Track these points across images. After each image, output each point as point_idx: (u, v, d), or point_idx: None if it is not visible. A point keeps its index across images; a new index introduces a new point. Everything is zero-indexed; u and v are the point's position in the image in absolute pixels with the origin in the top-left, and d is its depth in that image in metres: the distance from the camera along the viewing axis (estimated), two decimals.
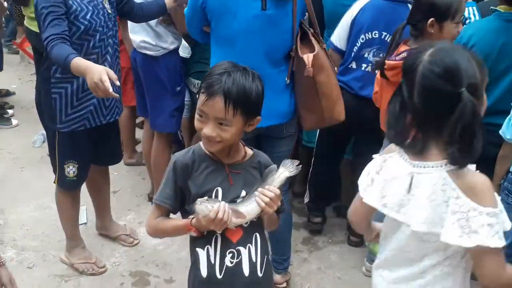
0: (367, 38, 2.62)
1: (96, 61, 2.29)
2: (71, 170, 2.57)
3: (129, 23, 2.97)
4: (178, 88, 3.08)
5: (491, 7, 2.46)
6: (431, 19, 2.17)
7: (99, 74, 1.98)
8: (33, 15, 3.10)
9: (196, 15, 2.19)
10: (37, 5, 2.26)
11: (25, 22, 4.00)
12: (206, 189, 1.50)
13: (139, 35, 2.95)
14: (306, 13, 2.30)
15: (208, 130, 1.42)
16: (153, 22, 2.88)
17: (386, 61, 2.23)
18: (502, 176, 2.22)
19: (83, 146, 2.56)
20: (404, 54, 2.18)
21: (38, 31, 2.56)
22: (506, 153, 2.21)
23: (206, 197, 1.44)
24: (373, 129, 2.47)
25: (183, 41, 3.11)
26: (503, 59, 2.34)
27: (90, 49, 2.38)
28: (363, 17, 2.59)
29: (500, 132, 2.15)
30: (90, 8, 2.35)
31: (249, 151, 1.60)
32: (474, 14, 2.80)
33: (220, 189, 1.50)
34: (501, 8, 2.38)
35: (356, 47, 2.66)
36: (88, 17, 2.33)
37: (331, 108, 2.29)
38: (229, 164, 1.53)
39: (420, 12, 2.21)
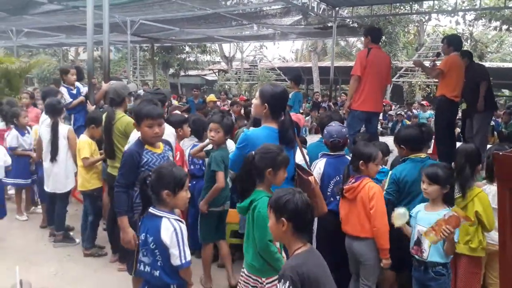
0: (333, 181, 4.14)
1: None
2: None
3: None
4: None
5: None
6: (361, 161, 3.67)
7: (128, 240, 3.31)
8: (116, 164, 4.38)
9: (240, 159, 3.38)
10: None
11: (108, 169, 4.95)
12: None
13: None
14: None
15: None
16: None
17: (344, 187, 3.70)
18: None
19: None
20: (353, 180, 3.63)
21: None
22: None
23: None
24: None
25: None
26: (418, 183, 3.76)
27: None
28: (326, 170, 4.13)
29: None
30: (159, 158, 3.45)
31: None
32: None
33: None
34: (412, 156, 4.04)
35: (329, 189, 4.16)
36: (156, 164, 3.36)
37: (320, 204, 3.56)
38: None
39: (355, 157, 3.75)
